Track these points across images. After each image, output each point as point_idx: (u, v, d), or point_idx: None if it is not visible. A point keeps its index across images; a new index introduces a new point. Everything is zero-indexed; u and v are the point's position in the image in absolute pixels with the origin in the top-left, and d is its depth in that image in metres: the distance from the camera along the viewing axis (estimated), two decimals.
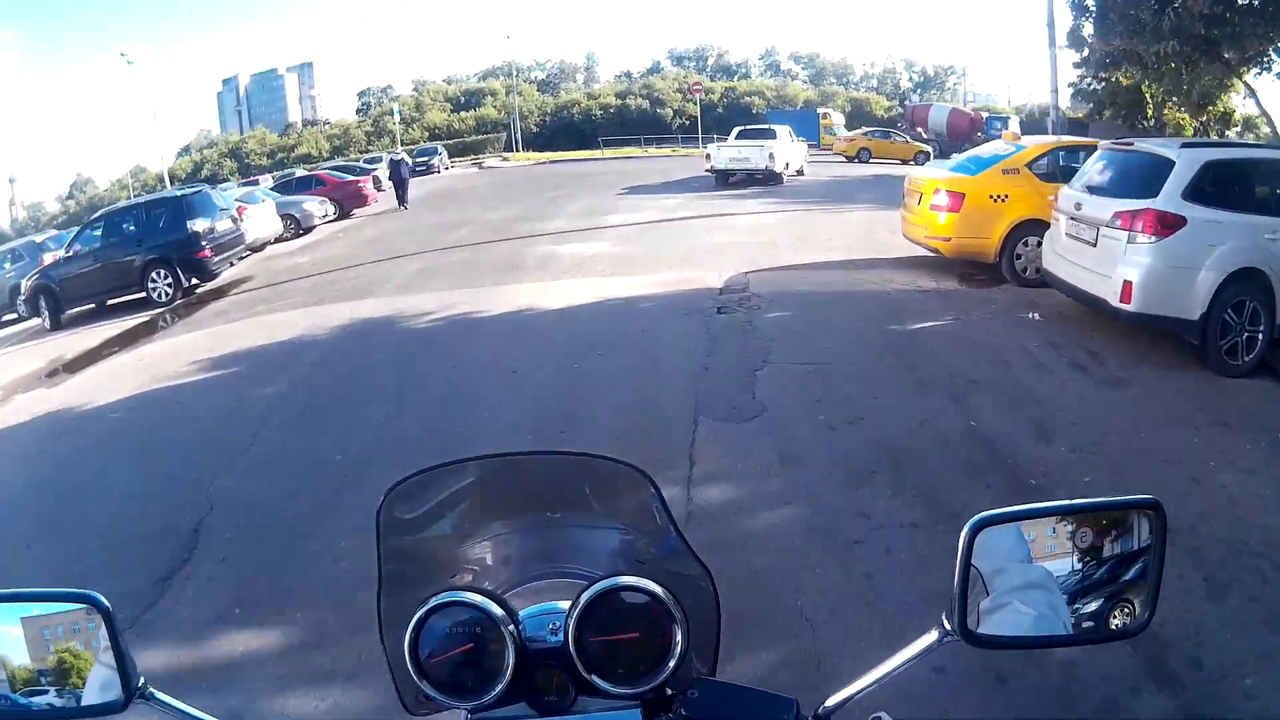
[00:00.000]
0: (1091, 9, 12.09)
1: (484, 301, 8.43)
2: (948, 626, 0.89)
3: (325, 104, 69.09)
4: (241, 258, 15.53)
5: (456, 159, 45.08)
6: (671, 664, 0.88)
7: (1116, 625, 0.91)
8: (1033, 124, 41.78)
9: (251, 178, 41.17)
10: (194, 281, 13.04)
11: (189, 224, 13.04)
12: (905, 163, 30.35)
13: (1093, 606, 0.90)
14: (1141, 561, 0.90)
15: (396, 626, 0.91)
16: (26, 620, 0.88)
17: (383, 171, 25.39)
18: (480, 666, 0.87)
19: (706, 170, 20.48)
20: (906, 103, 55.14)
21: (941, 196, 8.33)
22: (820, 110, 41.60)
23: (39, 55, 73.33)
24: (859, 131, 34.28)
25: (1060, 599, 0.89)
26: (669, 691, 0.90)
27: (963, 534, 0.86)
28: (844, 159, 31.42)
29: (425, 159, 38.53)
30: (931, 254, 8.86)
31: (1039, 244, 8.14)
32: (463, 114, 60.99)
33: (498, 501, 1.12)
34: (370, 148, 49.85)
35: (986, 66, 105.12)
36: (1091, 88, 24.83)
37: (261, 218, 16.77)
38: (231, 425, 5.57)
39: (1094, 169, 6.94)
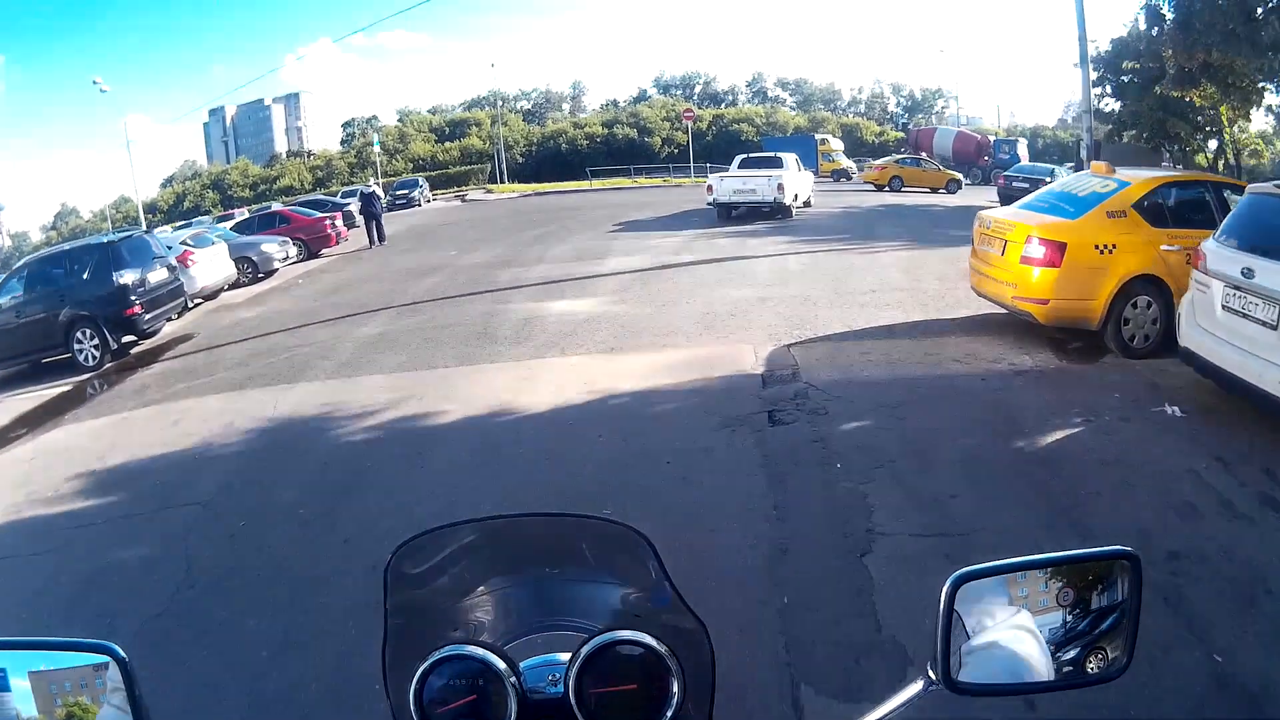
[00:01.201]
0: (1169, 19, 10.50)
1: (444, 394, 6.52)
2: (932, 676, 0.92)
3: (312, 135, 68.31)
4: (189, 308, 13.77)
5: (440, 191, 43.46)
6: (668, 714, 0.89)
7: (1096, 670, 0.93)
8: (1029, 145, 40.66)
9: (227, 211, 39.55)
10: (129, 339, 11.21)
11: (116, 276, 11.16)
12: (934, 191, 29.22)
13: (1073, 653, 0.93)
14: (1119, 610, 0.93)
15: (401, 678, 0.93)
16: (34, 675, 0.88)
17: (356, 205, 23.54)
18: (483, 717, 0.89)
19: (708, 203, 18.73)
20: (911, 127, 53.93)
21: (1037, 247, 6.57)
22: (818, 136, 40.01)
23: (27, 81, 71.29)
24: (890, 159, 32.76)
25: (1042, 645, 0.92)
26: None
27: (944, 589, 0.90)
28: (873, 187, 29.93)
29: (405, 192, 36.84)
30: (1004, 310, 7.15)
31: (1149, 305, 6.53)
32: (447, 144, 59.69)
33: (499, 558, 1.13)
34: (353, 179, 48.24)
35: (973, 88, 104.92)
36: (1110, 108, 23.53)
37: (211, 263, 14.90)
38: (68, 630, 3.71)
39: (1256, 222, 5.24)
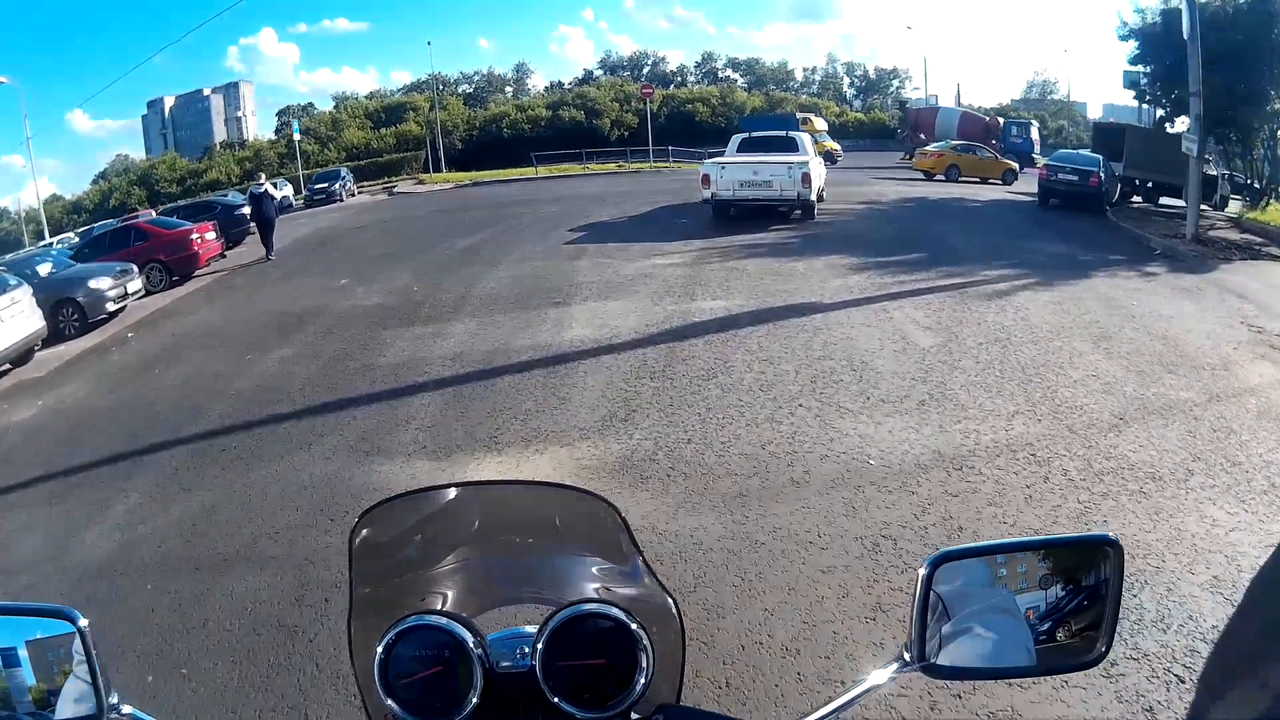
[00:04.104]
0: None
1: None
2: (907, 658, 0.88)
3: (253, 125, 63.00)
4: None
5: (369, 182, 38.13)
6: (637, 689, 0.86)
7: (1076, 656, 0.89)
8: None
9: (133, 211, 34.17)
10: None
11: None
12: (986, 180, 25.69)
13: (1053, 637, 0.89)
14: (1100, 595, 0.89)
15: (366, 649, 0.89)
16: (30, 644, 0.86)
17: (248, 209, 18.63)
18: (449, 689, 0.85)
19: (704, 199, 14.32)
20: (909, 107, 50.20)
21: None
22: (799, 114, 35.45)
23: None
24: (943, 144, 28.98)
25: (1022, 627, 0.88)
26: (634, 716, 0.87)
27: (922, 568, 0.85)
28: (923, 176, 26.22)
29: (325, 185, 31.56)
30: None
31: None
32: (382, 131, 54.19)
33: (468, 528, 1.09)
34: (282, 170, 42.64)
35: (931, 67, 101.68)
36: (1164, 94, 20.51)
37: (5, 318, 9.86)
38: None
39: None
